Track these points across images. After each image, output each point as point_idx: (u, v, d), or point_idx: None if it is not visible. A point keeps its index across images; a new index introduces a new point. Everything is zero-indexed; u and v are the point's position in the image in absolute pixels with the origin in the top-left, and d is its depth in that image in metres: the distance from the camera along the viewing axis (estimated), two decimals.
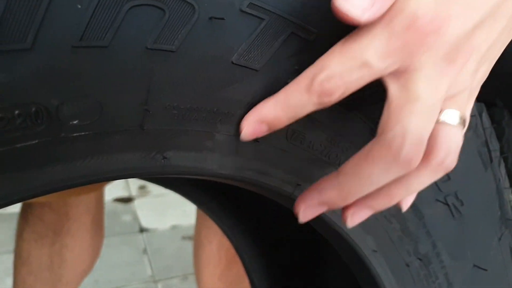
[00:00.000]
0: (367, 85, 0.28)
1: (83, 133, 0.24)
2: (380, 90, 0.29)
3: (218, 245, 0.86)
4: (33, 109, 0.21)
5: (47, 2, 0.20)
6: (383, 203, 0.32)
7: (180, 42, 0.25)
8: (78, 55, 0.22)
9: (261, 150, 0.32)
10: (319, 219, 0.36)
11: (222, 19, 0.25)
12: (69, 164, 0.24)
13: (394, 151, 0.28)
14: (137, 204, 1.83)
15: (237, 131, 0.30)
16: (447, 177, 0.42)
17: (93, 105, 0.23)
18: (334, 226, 0.38)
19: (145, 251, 1.60)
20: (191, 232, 1.70)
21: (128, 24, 0.23)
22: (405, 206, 0.35)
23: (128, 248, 1.59)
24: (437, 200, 0.42)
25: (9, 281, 1.41)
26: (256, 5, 0.27)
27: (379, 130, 0.29)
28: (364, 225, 0.38)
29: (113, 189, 1.75)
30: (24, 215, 0.86)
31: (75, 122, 0.23)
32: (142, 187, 1.91)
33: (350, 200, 0.31)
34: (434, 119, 0.29)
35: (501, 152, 0.48)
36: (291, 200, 0.37)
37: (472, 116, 0.43)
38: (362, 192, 0.30)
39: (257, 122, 0.29)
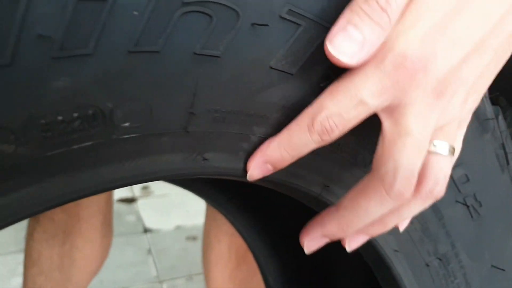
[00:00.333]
0: None
1: (133, 135, 0.24)
2: None
3: (228, 245, 0.86)
4: (90, 111, 0.22)
5: (108, 9, 0.21)
6: (378, 230, 0.34)
7: (225, 48, 0.26)
8: (133, 60, 0.22)
9: None
10: None
11: (266, 25, 0.26)
12: (118, 164, 0.25)
13: (387, 186, 0.30)
14: (140, 204, 1.83)
15: (272, 133, 0.31)
16: (466, 178, 0.43)
17: (144, 108, 0.24)
18: None
19: (149, 251, 1.61)
20: (195, 232, 1.71)
21: (179, 30, 0.23)
22: (402, 228, 0.37)
23: (132, 249, 1.59)
24: (457, 201, 0.43)
25: (14, 282, 1.42)
26: (295, 11, 0.28)
27: (373, 165, 0.31)
28: None
29: (116, 190, 1.76)
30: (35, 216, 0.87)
31: (126, 124, 0.24)
32: (145, 188, 1.92)
33: (349, 233, 0.34)
34: (424, 152, 0.30)
35: None
36: (318, 201, 0.38)
37: (490, 119, 0.44)
38: (360, 224, 0.33)
39: (262, 163, 0.31)
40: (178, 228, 1.74)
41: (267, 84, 0.29)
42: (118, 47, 0.22)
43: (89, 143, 0.23)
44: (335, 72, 0.31)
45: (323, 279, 0.64)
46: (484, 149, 0.44)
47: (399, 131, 0.29)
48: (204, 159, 0.29)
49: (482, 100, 0.43)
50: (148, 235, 1.69)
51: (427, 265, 0.44)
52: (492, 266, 0.45)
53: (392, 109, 0.29)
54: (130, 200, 1.85)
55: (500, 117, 0.48)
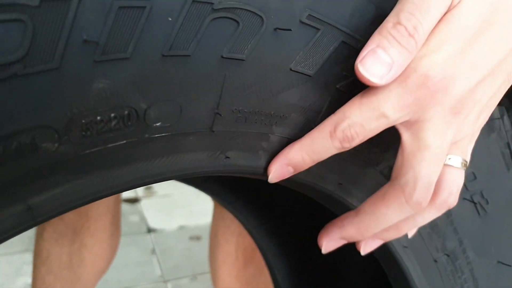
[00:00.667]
0: None
1: (163, 134, 0.26)
2: None
3: (235, 244, 0.87)
4: (126, 112, 0.23)
5: (146, 16, 0.22)
6: (392, 235, 0.37)
7: (250, 51, 0.27)
8: (166, 63, 0.24)
9: None
10: None
11: (289, 30, 0.27)
12: (148, 162, 0.26)
13: (407, 195, 0.32)
14: (143, 204, 1.84)
15: (290, 132, 0.33)
16: (474, 176, 0.44)
17: (174, 109, 0.25)
18: None
19: (153, 251, 1.62)
20: (198, 232, 1.73)
21: (209, 35, 0.25)
22: (410, 234, 0.40)
23: (136, 248, 1.60)
24: (464, 198, 0.44)
25: (20, 281, 1.43)
26: (314, 16, 0.29)
27: (393, 174, 0.33)
28: None
29: None
30: None
31: (158, 124, 0.25)
32: (148, 188, 1.93)
33: (366, 236, 0.36)
34: (441, 165, 0.33)
35: None
36: (332, 199, 0.39)
37: (496, 119, 0.46)
38: (378, 229, 0.35)
39: (284, 165, 0.33)
40: (181, 228, 1.76)
41: (286, 86, 0.30)
42: (153, 51, 0.23)
43: (123, 141, 0.24)
44: (352, 73, 0.32)
45: (332, 277, 0.65)
46: (490, 148, 0.45)
47: (418, 145, 0.31)
48: (226, 157, 0.30)
49: None
50: (152, 235, 1.70)
51: (435, 261, 0.45)
52: (498, 262, 0.47)
53: (411, 123, 0.31)
54: (134, 200, 1.86)
55: (505, 117, 0.49)
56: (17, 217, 0.22)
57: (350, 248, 0.64)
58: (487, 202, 0.45)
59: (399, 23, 0.28)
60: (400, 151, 0.33)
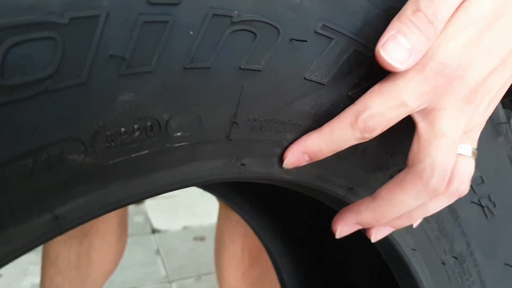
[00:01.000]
0: None
1: (183, 144, 0.26)
2: None
3: (241, 245, 0.88)
4: (149, 123, 0.24)
5: (169, 30, 0.23)
6: (404, 223, 0.37)
7: (266, 62, 0.28)
8: (187, 75, 0.24)
9: None
10: None
11: (305, 41, 0.28)
12: (169, 171, 0.27)
13: (424, 181, 0.32)
14: (148, 205, 1.85)
15: None
16: (481, 180, 0.45)
17: (194, 119, 0.26)
18: None
19: (158, 252, 1.63)
20: (202, 233, 1.73)
21: (228, 47, 0.25)
22: (415, 224, 0.40)
23: (141, 249, 1.61)
24: (472, 202, 0.45)
25: (26, 282, 1.44)
26: (328, 26, 0.30)
27: (409, 161, 0.33)
28: None
29: None
30: None
31: (178, 134, 0.26)
32: None
33: (382, 222, 0.36)
34: (456, 152, 0.33)
35: None
36: (342, 203, 0.40)
37: (503, 123, 0.46)
38: (393, 215, 0.35)
39: (301, 153, 0.33)
40: (185, 228, 1.76)
41: (301, 94, 0.31)
42: (175, 64, 0.24)
43: (146, 151, 0.25)
44: (363, 81, 0.33)
45: (338, 278, 0.66)
46: (497, 151, 0.46)
47: (435, 132, 0.31)
48: (242, 164, 0.31)
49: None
50: (156, 235, 1.71)
51: (443, 263, 0.46)
52: (506, 264, 0.47)
53: (427, 111, 0.31)
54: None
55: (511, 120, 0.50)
56: (45, 226, 0.23)
57: (356, 249, 0.64)
58: (495, 205, 0.46)
59: (418, 10, 0.29)
60: (415, 139, 0.33)
